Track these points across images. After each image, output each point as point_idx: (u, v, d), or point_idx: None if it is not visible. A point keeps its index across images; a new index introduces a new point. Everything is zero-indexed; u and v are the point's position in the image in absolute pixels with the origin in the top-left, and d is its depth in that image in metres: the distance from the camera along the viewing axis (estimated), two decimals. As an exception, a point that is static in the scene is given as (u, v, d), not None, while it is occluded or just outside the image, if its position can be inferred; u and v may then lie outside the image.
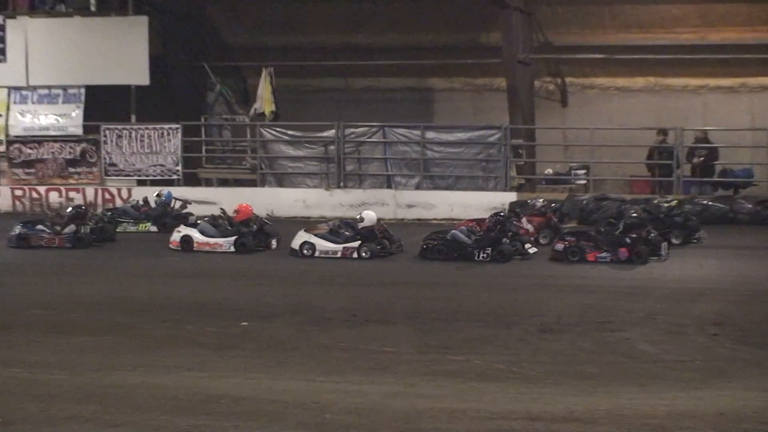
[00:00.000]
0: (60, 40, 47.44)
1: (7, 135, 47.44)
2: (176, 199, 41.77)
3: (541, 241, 36.98)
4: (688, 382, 21.23)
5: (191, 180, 46.49)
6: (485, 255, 34.79)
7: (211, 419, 18.96)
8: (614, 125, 45.99)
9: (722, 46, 45.69)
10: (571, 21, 47.30)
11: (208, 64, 49.35)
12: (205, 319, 27.72)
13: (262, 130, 46.60)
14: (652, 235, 34.98)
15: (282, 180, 46.45)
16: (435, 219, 42.38)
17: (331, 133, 45.84)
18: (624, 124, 45.71)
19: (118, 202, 44.86)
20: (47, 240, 39.21)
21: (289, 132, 46.63)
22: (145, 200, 42.05)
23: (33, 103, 47.56)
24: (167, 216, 40.79)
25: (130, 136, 46.53)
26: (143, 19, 46.37)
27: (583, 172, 45.23)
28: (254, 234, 37.85)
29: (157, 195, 41.89)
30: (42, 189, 46.54)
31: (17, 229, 39.62)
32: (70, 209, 40.77)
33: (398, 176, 45.52)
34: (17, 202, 46.55)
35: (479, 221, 36.40)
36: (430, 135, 45.54)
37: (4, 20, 47.25)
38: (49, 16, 47.80)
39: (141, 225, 41.02)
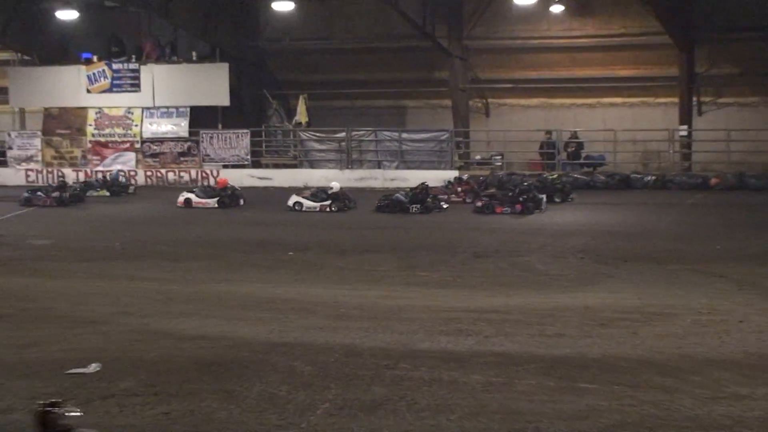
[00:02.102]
0: (174, 77, 48.10)
1: (141, 137, 48.19)
2: (122, 176, 45.35)
3: (467, 200, 38.63)
4: (566, 288, 23.05)
5: (256, 164, 47.30)
6: (416, 209, 36.65)
7: (270, 313, 20.58)
8: (518, 128, 46.82)
9: (585, 78, 46.15)
10: (491, 64, 47.78)
11: (266, 91, 50.01)
12: (265, 250, 29.25)
13: (300, 133, 47.84)
14: (536, 195, 36.78)
15: (312, 164, 47.34)
16: (407, 187, 41.29)
17: (343, 134, 47.00)
18: (524, 128, 46.55)
19: (211, 180, 45.81)
20: (42, 201, 40.09)
21: (317, 134, 47.70)
22: (104, 177, 44.48)
23: (157, 117, 48.18)
24: (115, 186, 43.60)
25: (217, 137, 47.34)
26: (225, 65, 47.05)
27: (499, 157, 46.26)
28: (228, 196, 40.00)
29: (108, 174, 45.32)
30: (163, 170, 47.41)
31: (25, 194, 40.67)
32: (58, 181, 42.89)
33: (384, 161, 46.58)
34: (148, 180, 47.29)
35: (412, 188, 38.59)
36: (405, 136, 46.72)
37: (139, 66, 47.87)
38: (168, 63, 48.35)
39: (101, 191, 43.45)
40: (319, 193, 39.09)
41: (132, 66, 48.37)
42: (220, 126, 47.94)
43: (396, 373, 15.97)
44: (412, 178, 43.07)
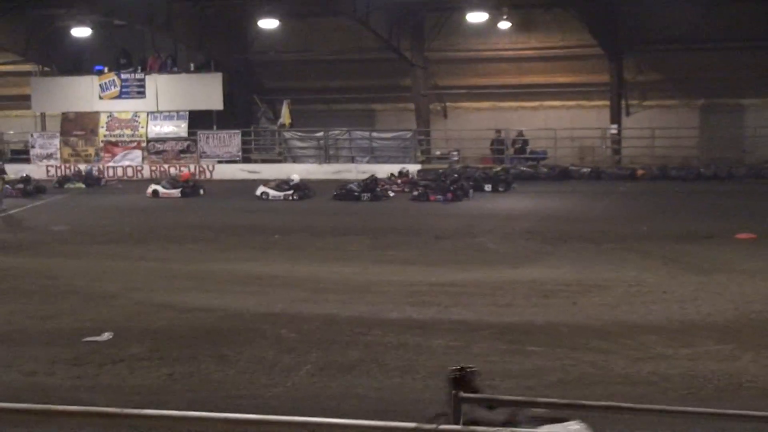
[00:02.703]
0: (174, 86, 47.96)
1: (146, 137, 48.04)
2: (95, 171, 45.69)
3: (405, 190, 38.94)
4: (515, 264, 23.01)
5: (247, 160, 47.16)
6: (366, 197, 36.91)
7: (259, 287, 20.59)
8: (472, 128, 47.00)
9: (529, 85, 46.41)
10: (448, 73, 47.95)
11: (255, 97, 50.15)
12: (254, 234, 29.19)
13: (284, 133, 47.85)
14: (464, 185, 37.44)
15: (295, 159, 47.11)
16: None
17: (321, 134, 47.09)
18: (477, 128, 46.72)
19: (207, 174, 46.10)
20: (9, 192, 39.05)
21: (299, 133, 47.69)
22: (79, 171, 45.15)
23: (160, 120, 47.99)
24: (90, 179, 44.80)
25: (212, 137, 47.30)
26: (219, 74, 46.95)
27: (456, 153, 46.55)
28: (191, 187, 40.00)
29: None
30: (166, 166, 46.96)
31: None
32: (22, 176, 42.16)
33: (357, 157, 46.43)
34: (153, 174, 46.74)
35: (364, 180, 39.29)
36: (374, 135, 46.84)
37: (144, 76, 47.80)
38: (169, 73, 48.24)
39: (77, 184, 44.04)
40: (282, 185, 39.19)
41: (138, 76, 48.20)
42: (214, 127, 47.72)
43: (369, 339, 16.06)
44: (381, 171, 42.99)
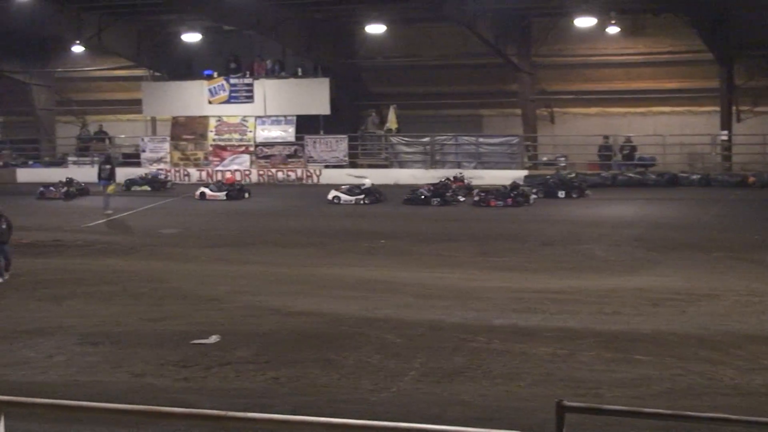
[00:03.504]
0: (282, 90, 48.11)
1: (254, 142, 48.21)
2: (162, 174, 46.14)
3: (460, 198, 38.97)
4: (622, 272, 23.07)
5: (353, 165, 46.86)
6: (436, 201, 37.41)
7: (365, 292, 20.77)
8: (579, 134, 46.39)
9: (637, 90, 45.56)
10: (556, 78, 47.46)
11: (362, 102, 50.21)
12: (359, 239, 29.43)
13: (390, 138, 47.82)
14: (525, 191, 37.94)
15: (401, 164, 47.06)
16: (483, 184, 41.69)
17: (427, 139, 46.93)
18: (585, 133, 46.07)
19: (314, 179, 46.27)
20: (52, 194, 41.54)
21: (405, 139, 47.55)
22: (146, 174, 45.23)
23: (268, 124, 48.20)
24: (155, 183, 45.36)
25: (319, 141, 47.23)
26: (326, 80, 47.04)
27: (563, 159, 46.14)
28: (237, 190, 41.52)
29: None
30: (273, 170, 47.29)
31: (40, 188, 42.09)
32: (65, 179, 43.55)
33: (463, 162, 45.99)
34: (260, 178, 47.20)
35: (434, 184, 39.94)
36: (481, 140, 46.43)
37: (253, 81, 48.10)
38: (277, 78, 48.44)
39: (143, 186, 44.70)
40: (354, 189, 39.78)
41: (247, 81, 48.55)
42: (321, 132, 47.82)
43: (474, 345, 16.09)
44: (487, 176, 42.87)
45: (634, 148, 45.40)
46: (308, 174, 46.48)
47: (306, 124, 47.98)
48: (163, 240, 30.26)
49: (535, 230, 30.51)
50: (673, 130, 45.06)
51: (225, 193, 41.28)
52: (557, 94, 48.20)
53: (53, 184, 43.00)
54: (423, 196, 38.36)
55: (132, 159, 50.51)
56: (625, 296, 19.86)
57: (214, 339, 16.78)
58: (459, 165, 46.01)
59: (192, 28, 47.90)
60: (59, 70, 54.72)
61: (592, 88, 47.11)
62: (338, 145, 47.27)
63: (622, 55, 46.20)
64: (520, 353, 15.57)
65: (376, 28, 45.70)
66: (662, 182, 42.17)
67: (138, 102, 50.84)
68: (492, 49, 45.07)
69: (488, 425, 10.40)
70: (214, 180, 45.00)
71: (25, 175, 49.44)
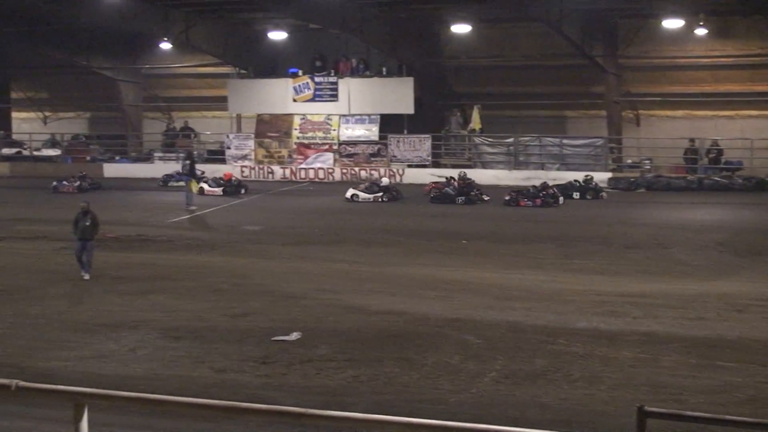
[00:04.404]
0: (367, 89, 48.17)
1: (338, 140, 48.40)
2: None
3: (484, 198, 39.52)
4: (706, 277, 22.77)
5: (436, 164, 46.88)
6: (461, 200, 38.00)
7: (445, 292, 20.78)
8: (665, 137, 45.88)
9: (726, 93, 45.31)
10: (642, 80, 47.07)
11: (446, 102, 50.12)
12: (441, 238, 29.36)
13: (474, 138, 47.92)
14: (554, 192, 38.60)
15: (484, 165, 46.97)
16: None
17: (511, 140, 46.75)
18: (671, 136, 45.53)
19: (397, 178, 45.82)
20: (65, 188, 42.61)
21: (488, 139, 47.44)
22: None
23: (352, 123, 48.30)
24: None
25: (403, 141, 47.29)
26: (410, 79, 46.94)
27: (648, 162, 45.72)
28: (234, 186, 42.48)
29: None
30: (356, 169, 47.37)
31: (54, 183, 43.58)
32: (79, 174, 44.82)
33: (547, 163, 45.89)
34: (343, 176, 47.30)
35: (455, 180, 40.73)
36: (565, 141, 46.12)
37: (337, 80, 48.22)
38: (361, 77, 48.53)
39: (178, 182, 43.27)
40: (373, 186, 40.46)
41: (331, 79, 48.71)
42: (405, 131, 47.82)
43: (554, 348, 16.04)
44: (571, 178, 42.50)
45: (720, 152, 44.84)
46: (391, 173, 46.40)
47: (390, 123, 48.02)
48: (246, 236, 30.47)
49: (618, 233, 30.23)
50: (761, 133, 44.46)
51: (222, 189, 42.35)
52: (643, 96, 47.72)
53: (66, 179, 44.23)
54: (450, 195, 39.09)
55: (217, 156, 50.97)
56: (710, 301, 19.64)
57: (295, 336, 16.90)
58: (542, 166, 45.89)
59: (278, 26, 48.34)
60: (147, 66, 55.41)
61: (679, 90, 46.64)
62: (422, 145, 47.27)
63: (709, 57, 45.66)
64: (601, 357, 15.50)
65: (461, 28, 45.70)
66: (749, 187, 41.63)
67: (223, 99, 51.25)
68: (578, 50, 44.82)
69: (569, 428, 10.35)
70: (298, 177, 45.25)
71: (111, 170, 50.09)
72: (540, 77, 47.82)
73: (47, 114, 59.14)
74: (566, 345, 16.16)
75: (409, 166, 46.95)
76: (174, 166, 46.16)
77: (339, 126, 48.78)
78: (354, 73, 49.07)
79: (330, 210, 37.40)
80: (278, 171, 48.57)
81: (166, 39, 49.80)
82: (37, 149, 54.84)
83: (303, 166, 48.41)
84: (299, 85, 49.03)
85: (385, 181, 41.89)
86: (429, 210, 36.98)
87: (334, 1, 42.58)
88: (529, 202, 37.58)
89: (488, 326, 17.56)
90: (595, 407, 13.19)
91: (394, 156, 47.48)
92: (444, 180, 41.66)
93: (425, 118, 47.86)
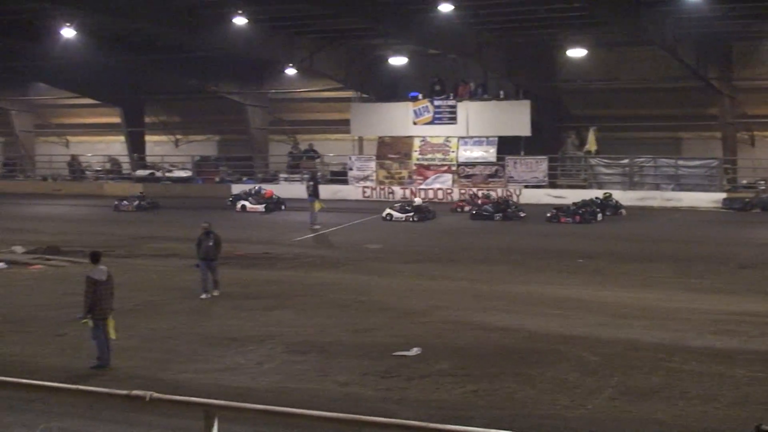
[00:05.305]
0: (484, 112, 48.05)
1: (457, 161, 48.29)
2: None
3: (521, 214, 40.43)
4: None
5: (552, 185, 46.61)
6: (498, 216, 38.97)
7: (562, 310, 20.62)
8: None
9: None
10: (757, 101, 46.22)
11: (562, 124, 49.98)
12: (559, 258, 29.06)
13: (590, 159, 47.52)
14: (593, 210, 39.62)
15: (600, 185, 45.90)
16: (683, 207, 42.09)
17: (626, 161, 46.31)
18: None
19: (514, 198, 45.41)
20: (125, 207, 45.16)
21: (604, 160, 47.13)
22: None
23: (470, 145, 48.12)
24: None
25: (520, 162, 47.06)
26: (527, 102, 46.82)
27: (763, 182, 44.88)
28: (274, 203, 44.42)
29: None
30: (474, 189, 46.76)
31: (115, 202, 46.01)
32: (139, 193, 47.01)
33: (662, 184, 45.25)
34: (461, 196, 46.51)
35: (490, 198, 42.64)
36: (680, 162, 45.46)
37: (456, 103, 48.16)
38: (479, 100, 48.38)
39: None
40: (405, 206, 40.94)
41: (450, 103, 48.74)
42: (522, 152, 47.62)
43: (670, 366, 15.85)
44: (686, 198, 42.39)
45: None
46: (508, 193, 46.16)
47: (507, 145, 47.82)
48: (368, 255, 30.60)
49: (733, 253, 29.64)
50: None
51: (264, 206, 43.88)
52: (758, 118, 46.79)
53: (127, 198, 46.40)
54: (487, 212, 40.05)
55: (339, 177, 51.30)
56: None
57: (415, 351, 16.92)
58: (657, 187, 45.26)
59: (398, 52, 48.75)
60: (272, 91, 56.13)
61: (794, 112, 45.69)
62: (538, 166, 47.02)
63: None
64: (717, 375, 15.25)
65: (576, 52, 45.73)
66: None
67: (346, 122, 51.66)
68: (692, 73, 44.21)
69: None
70: (417, 197, 45.32)
71: (239, 190, 50.65)
72: (655, 99, 47.30)
73: (179, 137, 60.30)
74: (682, 363, 15.95)
75: (526, 186, 46.67)
76: (299, 188, 46.41)
77: (458, 148, 48.70)
78: (472, 96, 48.95)
79: (447, 229, 37.39)
80: (398, 191, 48.66)
81: (291, 65, 50.42)
82: (169, 171, 55.99)
83: (422, 186, 48.48)
84: (419, 109, 49.19)
85: (417, 201, 42.57)
86: (541, 230, 36.71)
87: (453, 28, 42.62)
88: (569, 219, 38.32)
89: (604, 343, 17.41)
90: (711, 424, 12.99)
91: (511, 177, 47.24)
92: (471, 196, 44.18)
93: (542, 140, 47.63)
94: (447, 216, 41.32)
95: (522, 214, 39.93)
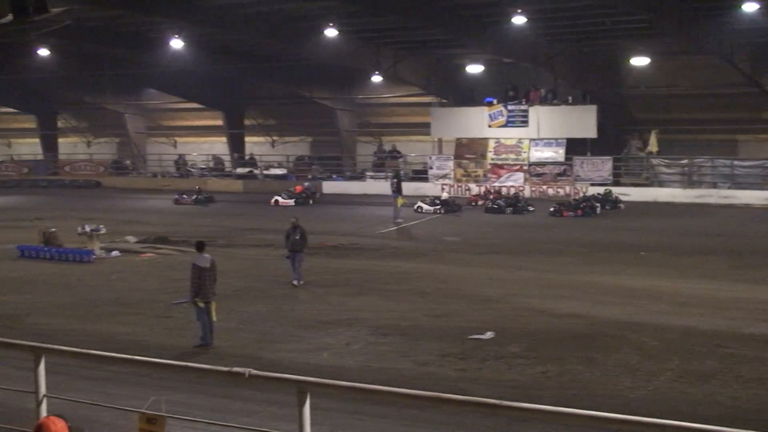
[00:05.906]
0: (554, 116, 47.72)
1: (528, 161, 48.03)
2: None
3: (529, 208, 40.83)
4: None
5: (617, 183, 45.88)
6: (509, 210, 39.13)
7: (624, 299, 20.45)
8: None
9: None
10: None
11: (625, 127, 49.24)
12: (621, 250, 28.73)
13: (651, 159, 46.98)
14: (592, 204, 40.07)
15: (661, 184, 45.61)
16: (738, 204, 41.41)
17: (686, 161, 45.70)
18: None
19: (580, 194, 44.99)
20: (185, 201, 45.91)
21: (665, 160, 46.56)
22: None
23: (541, 146, 47.92)
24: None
25: (586, 162, 46.59)
26: (593, 107, 46.39)
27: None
28: (304, 197, 45.31)
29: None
30: (544, 187, 47.03)
31: (175, 196, 46.73)
32: (196, 188, 48.11)
33: (719, 183, 44.66)
34: (532, 194, 46.58)
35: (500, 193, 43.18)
36: (736, 163, 44.92)
37: (528, 108, 47.92)
38: (549, 105, 48.13)
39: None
40: (435, 200, 41.67)
41: (522, 107, 48.53)
42: (588, 153, 47.25)
43: (726, 351, 15.66)
44: (742, 196, 41.81)
45: None
46: (575, 191, 45.84)
47: (574, 146, 47.56)
48: (446, 246, 30.59)
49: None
50: None
51: (294, 200, 44.71)
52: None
53: (186, 192, 47.21)
54: (500, 206, 40.43)
55: (421, 175, 51.42)
56: None
57: (489, 335, 16.91)
58: (714, 185, 44.64)
59: (475, 60, 48.78)
60: (360, 96, 56.38)
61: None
62: (603, 166, 46.61)
63: None
64: (771, 360, 15.02)
65: (640, 61, 45.45)
66: None
67: (426, 125, 51.66)
68: (748, 80, 43.52)
69: (740, 426, 10.05)
70: (493, 193, 45.20)
71: (329, 187, 51.01)
72: (713, 104, 46.54)
73: (275, 138, 60.69)
74: (737, 349, 15.76)
75: (592, 184, 46.20)
76: (383, 185, 46.40)
77: (529, 149, 48.47)
78: (543, 101, 48.72)
79: (519, 223, 37.26)
80: (474, 188, 48.53)
81: (377, 72, 50.56)
82: (266, 168, 56.46)
83: (496, 184, 48.28)
84: (494, 113, 49.04)
85: (444, 195, 43.12)
86: (602, 224, 36.48)
87: (526, 39, 42.54)
88: (571, 213, 38.55)
89: (664, 330, 17.22)
90: (764, 406, 12.86)
91: (578, 176, 46.91)
92: (482, 193, 44.87)
93: (607, 142, 47.24)
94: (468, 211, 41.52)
95: (531, 209, 40.26)
